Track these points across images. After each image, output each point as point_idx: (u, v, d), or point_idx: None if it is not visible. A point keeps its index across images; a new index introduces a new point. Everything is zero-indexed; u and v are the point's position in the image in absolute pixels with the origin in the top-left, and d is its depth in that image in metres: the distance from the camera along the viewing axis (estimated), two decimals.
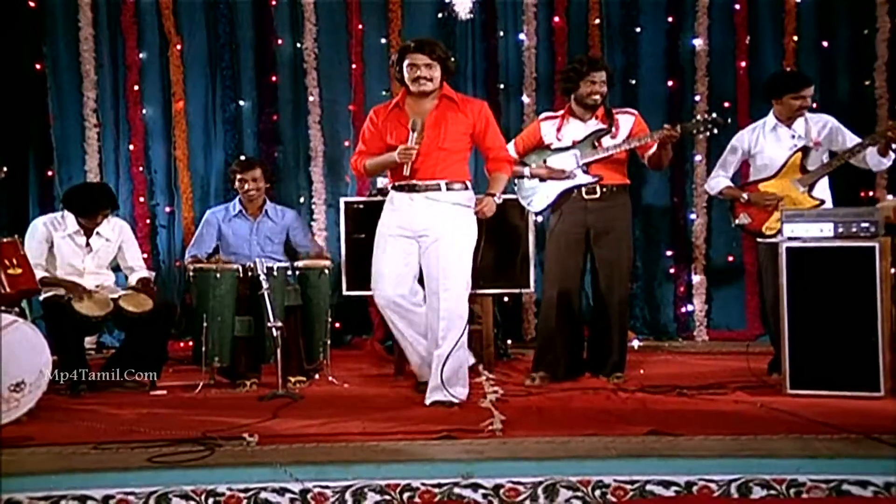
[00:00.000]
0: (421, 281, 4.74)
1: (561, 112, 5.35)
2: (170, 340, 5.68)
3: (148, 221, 6.97)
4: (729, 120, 5.12)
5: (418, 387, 4.87)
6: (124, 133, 6.99)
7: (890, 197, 6.34)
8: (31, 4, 6.88)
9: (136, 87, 6.95)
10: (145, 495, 3.26)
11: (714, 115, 5.12)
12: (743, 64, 6.93)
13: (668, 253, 7.06)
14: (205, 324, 5.20)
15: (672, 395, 4.74)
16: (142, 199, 6.95)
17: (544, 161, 5.26)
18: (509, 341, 6.51)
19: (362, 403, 4.69)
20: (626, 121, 5.23)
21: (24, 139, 6.95)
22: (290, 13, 7.02)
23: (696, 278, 6.99)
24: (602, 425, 3.97)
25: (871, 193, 6.59)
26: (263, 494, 3.28)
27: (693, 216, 7.00)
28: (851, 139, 5.18)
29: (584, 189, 5.16)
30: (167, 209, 7.02)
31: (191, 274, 5.37)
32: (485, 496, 3.29)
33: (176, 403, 4.86)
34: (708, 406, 4.44)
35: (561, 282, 5.22)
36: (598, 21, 6.98)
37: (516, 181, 5.45)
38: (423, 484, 3.31)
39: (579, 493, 3.28)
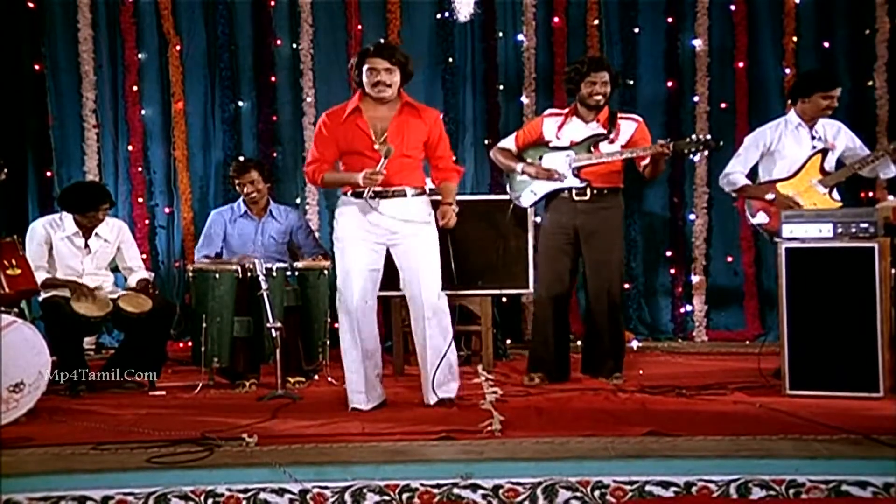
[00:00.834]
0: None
1: (566, 110, 5.35)
2: (169, 341, 5.69)
3: (147, 222, 6.97)
4: (722, 143, 5.13)
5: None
6: (123, 133, 6.98)
7: (890, 197, 6.33)
8: (31, 5, 6.88)
9: (135, 88, 6.94)
10: (144, 496, 3.27)
11: (709, 136, 5.11)
12: (742, 64, 6.92)
13: (668, 253, 7.05)
14: (204, 324, 5.20)
15: (671, 395, 4.73)
16: (141, 200, 6.95)
17: (540, 158, 5.26)
18: (508, 341, 6.50)
19: None
20: (628, 127, 5.22)
21: (23, 139, 6.94)
22: (288, 14, 7.01)
23: (696, 279, 6.98)
24: (601, 426, 3.97)
25: (870, 194, 6.59)
26: (262, 495, 3.29)
27: (692, 216, 7.00)
28: (862, 148, 5.24)
29: (574, 190, 5.16)
30: (166, 210, 7.02)
31: (190, 274, 5.38)
32: (484, 496, 3.29)
33: (175, 404, 4.86)
34: (707, 407, 4.44)
35: (550, 283, 5.23)
36: (597, 21, 6.97)
37: (508, 175, 5.46)
38: (423, 484, 3.31)
39: (578, 494, 3.28)
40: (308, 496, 3.29)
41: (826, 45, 6.89)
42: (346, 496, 3.29)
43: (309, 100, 6.94)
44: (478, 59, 7.04)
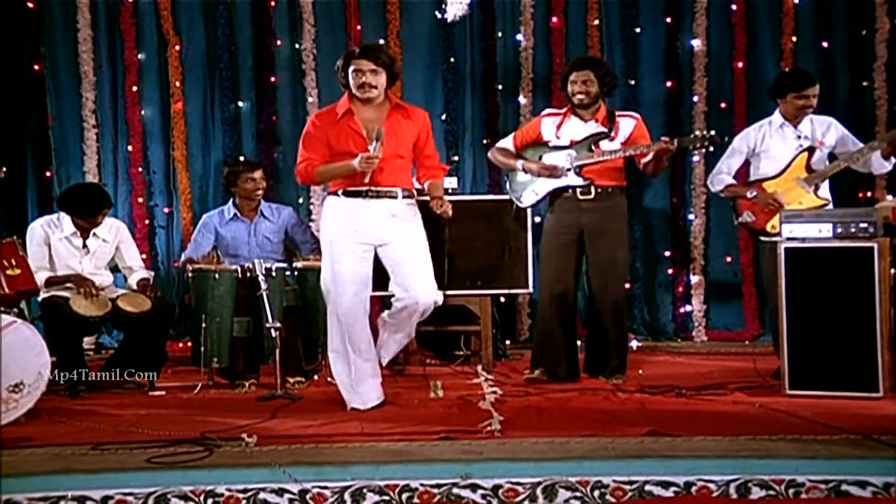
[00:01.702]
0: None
1: (564, 110, 5.36)
2: (168, 341, 5.68)
3: (146, 222, 6.96)
4: (726, 138, 5.13)
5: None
6: (123, 134, 6.98)
7: (889, 197, 6.33)
8: (30, 5, 6.87)
9: (134, 88, 6.94)
10: (144, 496, 3.27)
11: (712, 132, 5.12)
12: (741, 65, 6.93)
13: (667, 253, 7.05)
14: (203, 324, 5.20)
15: (671, 395, 4.74)
16: (140, 200, 6.95)
17: (539, 157, 5.27)
18: (507, 342, 6.51)
19: None
20: (627, 125, 5.23)
21: (22, 140, 6.94)
22: (288, 14, 7.01)
23: (695, 279, 6.98)
24: (601, 426, 3.97)
25: (869, 194, 6.59)
26: (262, 495, 3.29)
27: (692, 217, 7.00)
28: (854, 142, 5.21)
29: (578, 189, 5.16)
30: (166, 210, 7.02)
31: (190, 275, 5.38)
32: (484, 496, 3.29)
33: (175, 404, 4.86)
34: (707, 407, 4.44)
35: (555, 282, 5.23)
36: (596, 22, 6.97)
37: (508, 175, 5.46)
38: (422, 484, 3.32)
39: (578, 494, 3.28)
40: (308, 496, 3.29)
41: (825, 45, 6.90)
42: (346, 496, 3.29)
43: (311, 100, 6.94)
44: (477, 59, 7.04)
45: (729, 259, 6.99)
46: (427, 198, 4.75)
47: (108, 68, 6.96)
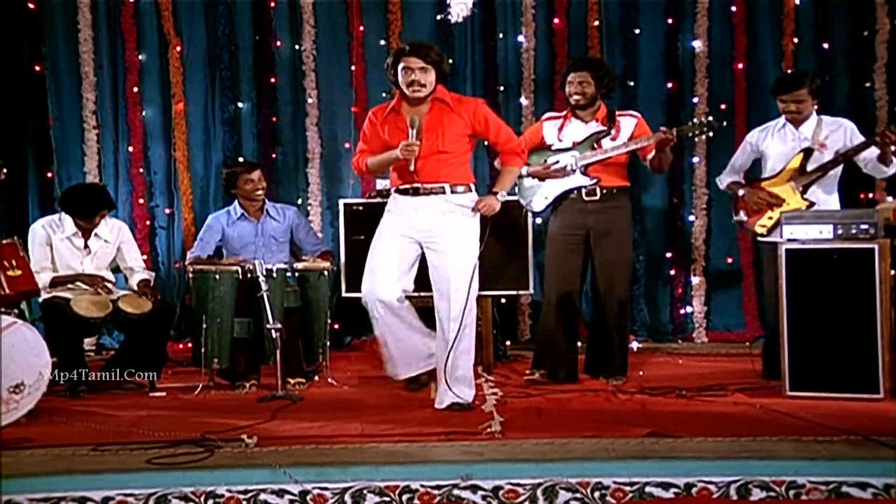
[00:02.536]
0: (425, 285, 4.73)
1: (564, 112, 5.36)
2: (169, 342, 5.68)
3: (147, 223, 6.96)
4: (725, 123, 5.13)
5: (409, 385, 4.99)
6: (123, 134, 6.98)
7: (890, 199, 6.33)
8: (31, 6, 6.87)
9: (135, 89, 6.94)
10: (144, 497, 3.28)
11: (710, 117, 5.13)
12: (741, 66, 6.92)
13: (667, 254, 7.05)
14: (204, 325, 5.20)
15: (671, 396, 4.74)
16: (141, 201, 6.95)
17: (544, 161, 5.27)
18: (508, 342, 6.51)
19: (361, 405, 4.70)
20: (628, 123, 5.24)
21: (23, 140, 6.94)
22: (289, 15, 7.01)
23: (695, 280, 6.98)
24: (601, 427, 3.97)
25: (870, 195, 6.59)
26: (263, 496, 3.29)
27: (692, 217, 7.00)
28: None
29: (583, 191, 5.16)
30: (166, 211, 7.02)
31: (190, 275, 5.38)
32: (484, 498, 3.29)
33: (175, 405, 4.87)
34: (707, 408, 4.45)
35: (561, 284, 5.22)
36: (597, 22, 6.97)
37: (516, 181, 5.46)
38: (423, 485, 3.32)
39: (578, 495, 3.29)
40: (308, 497, 3.29)
41: (825, 46, 6.90)
42: (347, 497, 3.29)
43: (311, 101, 6.94)
44: (478, 60, 7.04)
45: (730, 260, 6.99)
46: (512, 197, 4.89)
47: (108, 69, 6.96)
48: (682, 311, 7.03)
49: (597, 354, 5.32)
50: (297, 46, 7.00)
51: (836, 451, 3.52)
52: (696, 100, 6.94)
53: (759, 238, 5.23)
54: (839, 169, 5.13)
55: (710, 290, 7.01)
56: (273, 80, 7.01)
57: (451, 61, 6.94)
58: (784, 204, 5.06)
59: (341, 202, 6.06)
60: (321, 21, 7.00)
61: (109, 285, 5.42)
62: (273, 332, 4.86)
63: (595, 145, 5.15)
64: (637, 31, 7.00)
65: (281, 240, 5.85)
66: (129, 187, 6.96)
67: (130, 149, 6.97)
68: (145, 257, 6.53)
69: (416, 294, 4.83)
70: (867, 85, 6.83)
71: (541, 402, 4.66)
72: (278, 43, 7.01)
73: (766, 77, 6.77)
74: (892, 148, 4.88)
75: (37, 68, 6.92)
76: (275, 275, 5.17)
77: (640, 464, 3.42)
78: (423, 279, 4.74)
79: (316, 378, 5.46)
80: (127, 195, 6.95)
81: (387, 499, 3.29)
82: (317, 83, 6.97)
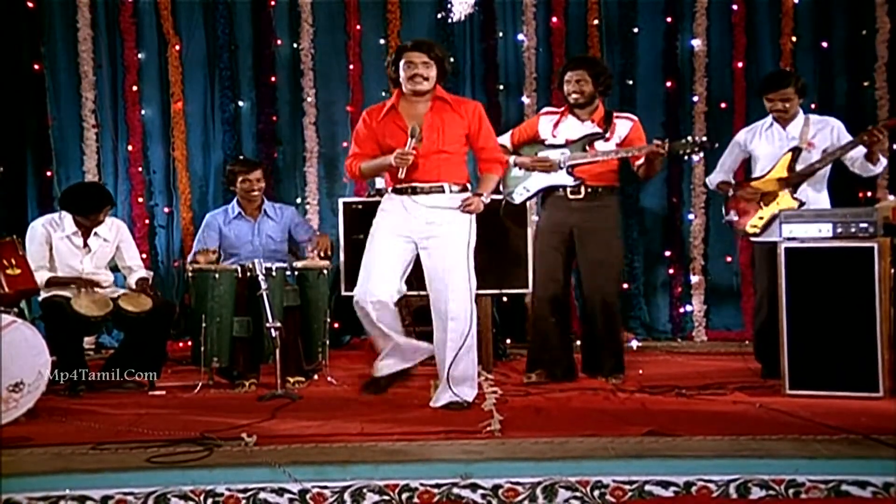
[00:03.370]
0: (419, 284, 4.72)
1: (562, 108, 5.36)
2: (169, 341, 5.68)
3: (147, 222, 6.97)
4: (717, 144, 5.13)
5: (376, 382, 4.84)
6: (123, 133, 6.99)
7: (890, 197, 6.34)
8: (30, 5, 6.88)
9: (134, 88, 6.95)
10: (144, 496, 3.27)
11: (704, 138, 5.13)
12: (741, 65, 6.94)
13: (666, 253, 7.06)
14: (203, 324, 5.20)
15: (671, 395, 4.74)
16: (140, 200, 6.96)
17: (535, 154, 5.27)
18: (508, 341, 6.51)
19: (360, 404, 4.68)
20: (624, 126, 5.22)
21: (22, 139, 6.95)
22: (288, 14, 7.02)
23: (695, 279, 6.99)
24: (601, 426, 3.97)
25: (869, 194, 6.59)
26: (262, 495, 3.29)
27: (691, 216, 7.01)
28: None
29: (568, 189, 5.16)
30: (166, 210, 7.02)
31: (190, 274, 5.38)
32: (483, 496, 3.29)
33: (175, 404, 4.86)
34: (707, 406, 4.44)
35: (546, 283, 5.23)
36: (596, 22, 6.99)
37: None
38: (422, 484, 3.31)
39: (578, 494, 3.28)
40: (307, 496, 3.29)
41: (825, 45, 6.91)
42: (346, 496, 3.29)
43: (309, 100, 6.95)
44: (478, 59, 7.06)
45: (728, 259, 7.00)
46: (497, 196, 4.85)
47: (108, 68, 6.97)
48: (681, 310, 7.04)
49: (591, 354, 5.32)
50: (296, 46, 7.01)
51: (835, 449, 3.52)
52: (695, 99, 6.96)
53: (752, 238, 5.22)
54: (828, 168, 5.13)
55: (710, 290, 7.03)
56: (273, 79, 7.03)
57: (451, 60, 6.97)
58: (774, 203, 5.06)
59: (341, 201, 6.05)
60: (320, 20, 7.02)
61: (106, 283, 5.42)
62: (272, 330, 4.86)
63: (587, 147, 5.15)
64: (636, 30, 7.01)
65: (278, 239, 5.84)
66: (128, 186, 6.97)
67: (130, 148, 6.98)
68: (144, 256, 6.54)
69: (415, 293, 4.81)
70: (866, 84, 6.83)
71: (540, 400, 4.65)
72: (278, 42, 7.02)
73: (765, 76, 6.77)
74: (879, 147, 4.89)
75: (36, 67, 6.93)
76: (274, 274, 5.17)
77: (639, 462, 3.42)
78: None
79: (315, 377, 5.46)
80: (126, 194, 6.95)
81: (386, 497, 3.29)
82: (315, 82, 6.97)
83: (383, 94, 6.67)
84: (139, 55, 6.97)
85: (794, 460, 3.39)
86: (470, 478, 3.32)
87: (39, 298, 5.31)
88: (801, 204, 5.01)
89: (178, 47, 6.95)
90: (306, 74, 6.98)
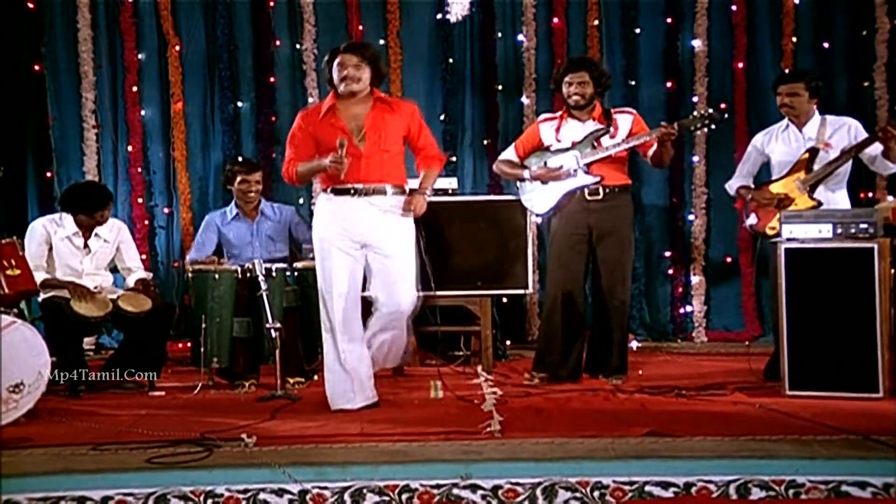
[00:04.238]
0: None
1: (559, 113, 5.36)
2: (168, 341, 5.68)
3: (146, 222, 6.97)
4: (726, 115, 5.12)
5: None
6: (123, 134, 6.99)
7: (890, 198, 6.33)
8: (30, 5, 6.88)
9: (134, 88, 6.95)
10: (144, 496, 3.27)
11: (710, 110, 5.12)
12: (741, 65, 6.93)
13: (667, 254, 7.06)
14: (203, 325, 5.20)
15: (671, 396, 4.74)
16: (140, 201, 6.95)
17: (545, 163, 5.26)
18: (508, 342, 6.51)
19: None
20: (625, 120, 5.23)
21: (22, 140, 6.95)
22: (288, 14, 7.02)
23: (695, 279, 6.99)
24: (601, 426, 3.97)
25: (870, 194, 6.59)
26: (262, 495, 3.29)
27: (692, 217, 7.00)
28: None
29: (586, 190, 5.15)
30: (165, 210, 7.02)
31: (190, 275, 5.38)
32: (483, 497, 3.29)
33: (175, 404, 4.86)
34: (707, 407, 4.44)
35: (564, 283, 5.22)
36: (596, 22, 6.98)
37: (518, 184, 5.44)
38: (422, 485, 3.31)
39: (578, 494, 3.28)
40: (307, 497, 3.29)
41: (825, 45, 6.90)
42: (346, 497, 3.29)
43: (311, 100, 6.93)
44: (477, 60, 7.05)
45: (729, 259, 7.00)
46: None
47: (108, 68, 6.97)
48: (681, 311, 7.04)
49: (597, 354, 5.32)
50: (296, 46, 7.01)
51: (835, 450, 3.52)
52: (695, 99, 6.95)
53: (772, 241, 5.19)
54: (847, 167, 5.11)
55: (710, 290, 7.02)
56: (273, 79, 7.02)
57: (450, 61, 6.99)
58: (793, 205, 5.05)
59: None
60: (320, 21, 7.01)
61: (105, 284, 5.43)
62: (272, 331, 4.86)
63: (595, 143, 5.15)
64: (637, 30, 7.01)
65: (277, 239, 5.84)
66: (128, 187, 6.96)
67: (130, 148, 6.97)
68: (144, 257, 6.54)
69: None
70: (866, 84, 6.83)
71: (540, 401, 4.65)
72: (278, 42, 7.01)
73: (765, 76, 6.77)
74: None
75: (36, 68, 6.93)
76: (274, 274, 5.17)
77: (639, 463, 3.42)
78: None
79: (315, 377, 5.44)
80: (126, 195, 6.95)
81: (386, 498, 3.29)
82: (317, 83, 6.97)
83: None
84: (139, 55, 6.96)
85: (794, 461, 3.39)
86: (470, 478, 3.32)
87: (39, 299, 5.31)
88: (819, 204, 5.00)
89: (177, 47, 6.95)
90: (307, 75, 6.97)
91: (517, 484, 3.31)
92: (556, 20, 7.00)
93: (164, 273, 6.96)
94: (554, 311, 5.24)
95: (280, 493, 3.30)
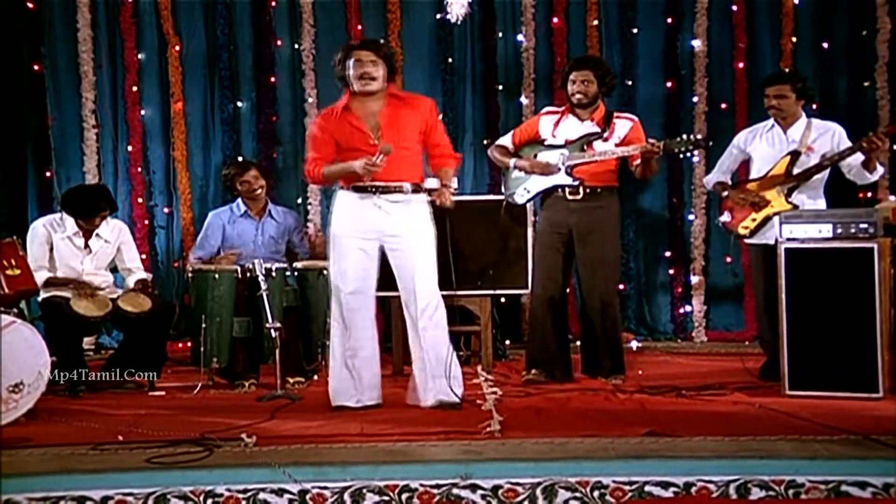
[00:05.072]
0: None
1: (562, 108, 5.37)
2: (168, 341, 5.68)
3: (146, 222, 6.96)
4: (711, 143, 5.11)
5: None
6: (123, 134, 6.98)
7: (891, 198, 6.33)
8: (30, 5, 6.87)
9: (134, 88, 6.94)
10: (144, 496, 3.27)
11: (699, 136, 5.12)
12: (741, 65, 6.92)
13: (667, 254, 7.06)
14: (203, 324, 5.21)
15: (671, 396, 4.74)
16: (140, 200, 6.94)
17: (535, 156, 5.27)
18: (507, 342, 6.50)
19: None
20: (623, 126, 5.23)
21: (22, 140, 6.94)
22: (288, 14, 7.01)
23: (695, 279, 6.99)
24: (600, 426, 3.97)
25: (870, 194, 6.58)
26: (262, 495, 3.29)
27: (691, 217, 7.00)
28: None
29: (567, 189, 5.16)
30: (165, 210, 7.02)
31: (189, 275, 5.38)
32: (483, 497, 3.29)
33: (174, 404, 4.86)
34: (706, 407, 4.44)
35: (546, 281, 5.25)
36: (596, 22, 6.98)
37: (503, 173, 5.47)
38: (422, 485, 3.32)
39: (578, 494, 3.28)
40: (307, 496, 3.29)
41: (825, 45, 6.90)
42: (346, 496, 3.29)
43: (311, 100, 6.94)
44: (477, 60, 7.04)
45: (729, 259, 6.98)
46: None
47: (108, 68, 6.96)
48: (681, 311, 7.03)
49: (590, 354, 5.32)
50: (296, 46, 7.00)
51: (835, 450, 3.52)
52: (695, 99, 6.94)
53: (745, 240, 5.22)
54: (825, 173, 5.11)
55: (710, 290, 7.02)
56: (273, 79, 7.01)
57: (450, 61, 6.99)
58: (769, 206, 5.05)
59: None
60: (321, 20, 7.00)
61: (105, 285, 5.43)
62: (272, 331, 4.86)
63: (585, 147, 5.15)
64: (636, 30, 7.00)
65: (279, 240, 5.89)
66: (128, 187, 6.96)
67: (130, 148, 6.96)
68: (144, 257, 6.53)
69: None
70: (867, 85, 6.82)
71: (540, 401, 4.65)
72: (278, 42, 7.01)
73: (765, 76, 6.77)
74: (878, 154, 4.88)
75: (36, 68, 6.91)
76: (274, 274, 5.18)
77: (639, 463, 3.42)
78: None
79: (315, 377, 5.46)
80: (126, 195, 6.94)
81: (386, 498, 3.29)
82: (316, 83, 6.97)
83: None
84: (139, 55, 6.95)
85: (794, 461, 3.39)
86: (470, 478, 3.32)
87: (39, 299, 5.31)
88: (795, 208, 4.98)
89: (178, 47, 6.94)
90: (307, 75, 6.97)
91: (517, 484, 3.31)
92: (555, 20, 6.99)
93: (165, 273, 6.95)
94: (538, 309, 5.26)
95: (280, 493, 3.30)
